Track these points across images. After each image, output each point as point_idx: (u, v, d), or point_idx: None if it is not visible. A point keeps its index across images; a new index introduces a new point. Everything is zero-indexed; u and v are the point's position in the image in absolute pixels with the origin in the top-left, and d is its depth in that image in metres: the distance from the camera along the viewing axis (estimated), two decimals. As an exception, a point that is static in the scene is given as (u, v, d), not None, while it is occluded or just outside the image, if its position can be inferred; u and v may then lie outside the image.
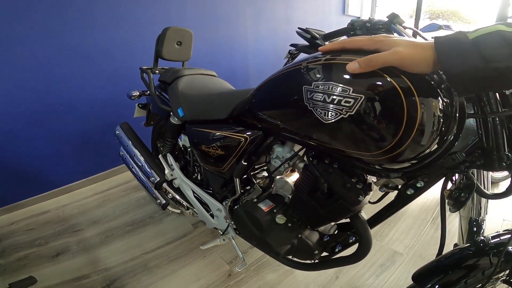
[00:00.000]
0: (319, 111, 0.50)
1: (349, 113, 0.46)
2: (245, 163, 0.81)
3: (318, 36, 1.96)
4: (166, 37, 1.19)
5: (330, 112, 0.48)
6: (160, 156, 1.18)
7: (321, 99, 0.49)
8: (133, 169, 1.27)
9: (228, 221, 0.94)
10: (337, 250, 0.71)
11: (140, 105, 1.39)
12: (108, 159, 1.88)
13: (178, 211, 1.22)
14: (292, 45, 2.22)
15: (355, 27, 0.92)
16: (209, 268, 1.21)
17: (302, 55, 2.14)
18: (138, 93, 1.28)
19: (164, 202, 1.17)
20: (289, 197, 0.75)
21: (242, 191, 0.87)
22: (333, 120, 0.48)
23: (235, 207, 0.85)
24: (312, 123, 0.52)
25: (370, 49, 0.44)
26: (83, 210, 1.63)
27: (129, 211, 1.59)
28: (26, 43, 1.44)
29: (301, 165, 0.70)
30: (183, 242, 1.36)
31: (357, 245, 0.68)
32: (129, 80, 1.72)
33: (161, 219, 1.52)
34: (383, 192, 0.59)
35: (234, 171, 0.84)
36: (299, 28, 2.11)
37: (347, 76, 0.46)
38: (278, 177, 0.76)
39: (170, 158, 1.15)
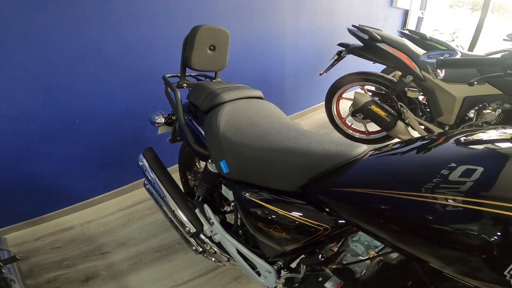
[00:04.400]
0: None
1: None
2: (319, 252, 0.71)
3: (378, 37, 1.77)
4: (196, 41, 1.02)
5: None
6: (196, 210, 1.06)
7: None
8: (162, 207, 1.15)
9: (278, 283, 0.85)
10: None
11: (165, 120, 1.24)
12: (130, 172, 1.89)
13: (216, 259, 1.12)
14: (341, 44, 2.06)
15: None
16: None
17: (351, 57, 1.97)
18: (164, 120, 1.18)
19: (200, 249, 1.09)
20: (361, 274, 0.66)
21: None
22: None
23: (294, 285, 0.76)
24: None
25: None
26: (108, 229, 1.66)
27: (156, 234, 1.60)
28: (25, 44, 1.32)
29: (394, 256, 0.60)
30: (217, 275, 1.36)
31: None
32: (152, 83, 1.67)
33: (191, 246, 1.50)
34: None
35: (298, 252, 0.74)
36: (353, 25, 1.94)
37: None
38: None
39: (208, 211, 1.02)
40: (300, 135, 0.78)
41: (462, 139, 0.56)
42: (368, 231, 0.55)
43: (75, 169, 1.68)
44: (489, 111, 1.60)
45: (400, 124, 1.79)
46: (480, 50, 2.78)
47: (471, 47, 3.68)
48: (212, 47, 1.08)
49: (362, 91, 2.02)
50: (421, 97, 1.86)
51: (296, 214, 0.67)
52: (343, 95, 2.25)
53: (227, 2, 1.89)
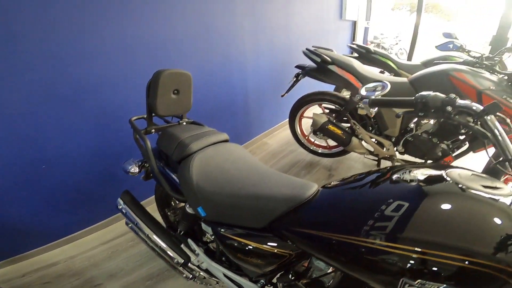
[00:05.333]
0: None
1: None
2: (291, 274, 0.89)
3: (328, 60, 2.03)
4: (159, 87, 1.06)
5: None
6: (182, 245, 1.17)
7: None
8: (147, 243, 1.25)
9: None
10: None
11: (139, 170, 1.28)
12: (106, 207, 1.92)
13: (206, 283, 1.24)
14: (298, 66, 2.33)
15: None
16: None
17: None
18: (138, 169, 1.22)
19: (190, 276, 1.21)
20: (329, 284, 0.88)
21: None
22: None
23: None
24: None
25: None
26: (94, 262, 1.72)
27: (143, 264, 1.70)
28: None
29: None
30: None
31: None
32: (117, 122, 1.74)
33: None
34: None
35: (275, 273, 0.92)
36: (306, 49, 2.20)
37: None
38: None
39: (192, 244, 1.15)
40: (263, 179, 0.96)
41: (402, 176, 0.76)
42: (321, 259, 0.78)
43: (51, 209, 1.72)
44: (426, 121, 1.92)
45: (354, 140, 2.08)
46: (417, 59, 3.20)
47: (410, 56, 4.22)
48: (176, 91, 1.12)
49: (320, 111, 2.29)
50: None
51: (265, 245, 0.86)
52: (304, 114, 2.53)
53: (186, 34, 1.99)
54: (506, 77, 1.73)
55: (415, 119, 1.96)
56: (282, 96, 2.41)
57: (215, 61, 2.26)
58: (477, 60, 2.03)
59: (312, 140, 2.58)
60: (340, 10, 3.90)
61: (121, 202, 1.30)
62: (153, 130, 1.22)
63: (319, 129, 2.14)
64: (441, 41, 2.72)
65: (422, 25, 4.11)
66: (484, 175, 0.73)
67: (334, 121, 2.13)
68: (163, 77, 1.07)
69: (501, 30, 3.48)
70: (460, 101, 0.78)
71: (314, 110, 2.49)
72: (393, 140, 2.05)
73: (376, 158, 2.19)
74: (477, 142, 1.79)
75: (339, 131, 2.09)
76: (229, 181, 0.95)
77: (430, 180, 0.72)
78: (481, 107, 0.75)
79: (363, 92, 1.19)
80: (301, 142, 2.60)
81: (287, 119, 2.58)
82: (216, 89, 2.34)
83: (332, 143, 2.51)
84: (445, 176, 0.71)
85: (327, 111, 2.41)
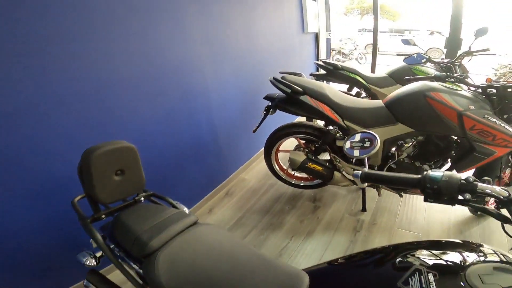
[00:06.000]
0: None
1: None
2: None
3: (300, 90, 1.87)
4: (93, 172, 0.87)
5: None
6: None
7: None
8: None
9: None
10: None
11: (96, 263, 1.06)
12: (70, 275, 1.62)
13: None
14: (267, 97, 2.13)
15: None
16: None
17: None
18: (95, 261, 1.03)
19: None
20: None
21: None
22: None
23: None
24: None
25: None
26: None
27: None
28: None
29: None
30: None
31: None
32: (57, 193, 1.46)
33: None
34: None
35: None
36: (274, 78, 2.02)
37: None
38: None
39: None
40: (244, 274, 0.81)
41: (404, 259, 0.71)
42: None
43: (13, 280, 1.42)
44: (406, 146, 1.84)
45: (336, 174, 1.95)
46: (381, 71, 3.17)
47: (373, 66, 4.26)
48: (119, 172, 0.96)
49: (296, 151, 2.14)
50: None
51: None
52: (280, 148, 2.36)
53: (128, 76, 1.66)
54: (480, 90, 1.70)
55: (396, 145, 1.88)
56: (254, 131, 2.23)
57: (172, 101, 1.97)
58: (448, 74, 1.99)
59: (293, 173, 2.42)
60: (302, 23, 3.85)
61: (89, 283, 1.08)
62: (102, 216, 1.04)
63: (298, 169, 1.98)
64: (405, 52, 2.72)
65: (369, 26, 4.19)
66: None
67: (313, 158, 1.98)
68: (95, 158, 0.87)
69: (453, 32, 3.60)
70: (481, 185, 0.64)
71: (289, 142, 2.33)
72: (376, 168, 1.94)
73: (360, 187, 2.08)
74: (462, 163, 1.73)
75: (319, 168, 1.95)
76: (204, 282, 0.81)
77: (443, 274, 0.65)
78: (506, 193, 0.62)
79: (347, 146, 1.02)
80: (281, 178, 2.43)
81: (263, 149, 2.38)
82: (177, 134, 2.06)
83: (313, 175, 2.37)
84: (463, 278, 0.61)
85: (303, 142, 2.27)
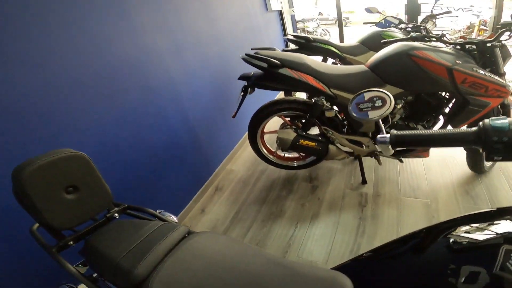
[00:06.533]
0: None
1: None
2: None
3: (278, 63, 1.69)
4: (32, 196, 0.69)
5: None
6: None
7: None
8: None
9: None
10: None
11: None
12: None
13: None
14: (242, 77, 1.93)
15: None
16: None
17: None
18: None
19: None
20: None
21: None
22: None
23: None
24: None
25: None
26: None
27: None
28: None
29: None
30: None
31: None
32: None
33: None
34: None
35: None
36: (247, 54, 1.83)
37: None
38: None
39: None
40: None
41: (451, 238, 0.58)
42: None
43: None
44: (398, 108, 1.73)
45: (331, 148, 1.81)
46: (352, 40, 3.07)
47: (341, 37, 4.17)
48: (70, 189, 0.77)
49: (284, 129, 1.94)
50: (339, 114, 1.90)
51: None
52: (265, 130, 2.17)
53: (76, 76, 1.44)
54: (458, 47, 1.67)
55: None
56: (233, 117, 2.03)
57: (132, 100, 1.67)
58: (424, 34, 1.91)
59: (282, 154, 2.24)
60: (264, 2, 3.65)
61: None
62: (70, 242, 0.83)
63: (289, 148, 1.80)
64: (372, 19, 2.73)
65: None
66: None
67: (304, 133, 1.81)
68: (28, 177, 0.68)
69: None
70: None
71: (273, 123, 2.15)
72: (371, 135, 1.82)
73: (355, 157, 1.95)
74: (458, 118, 1.68)
75: (313, 144, 1.79)
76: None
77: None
78: None
79: (353, 109, 0.85)
80: (271, 161, 2.25)
81: (246, 134, 2.17)
82: (146, 135, 1.77)
83: (305, 152, 2.22)
84: None
85: (288, 119, 2.09)
